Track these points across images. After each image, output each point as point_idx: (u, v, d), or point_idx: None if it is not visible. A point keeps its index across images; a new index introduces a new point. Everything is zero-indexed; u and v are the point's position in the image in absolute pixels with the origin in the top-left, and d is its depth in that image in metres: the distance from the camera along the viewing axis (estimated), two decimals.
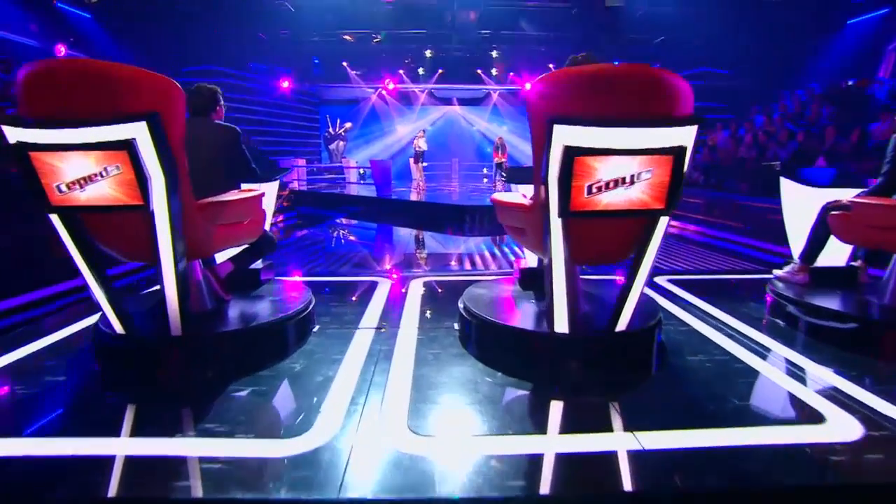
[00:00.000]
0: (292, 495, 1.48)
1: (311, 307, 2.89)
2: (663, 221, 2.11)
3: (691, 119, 1.89)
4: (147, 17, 11.10)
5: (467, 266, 4.97)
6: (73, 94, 1.80)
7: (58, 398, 2.12)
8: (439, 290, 3.79)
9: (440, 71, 17.68)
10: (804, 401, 2.06)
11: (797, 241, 3.42)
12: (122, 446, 1.75)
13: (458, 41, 15.66)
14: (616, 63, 2.02)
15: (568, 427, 1.92)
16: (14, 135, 1.82)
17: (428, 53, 16.94)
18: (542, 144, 1.99)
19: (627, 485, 1.57)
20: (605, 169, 1.92)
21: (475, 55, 16.86)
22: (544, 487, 1.55)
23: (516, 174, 3.24)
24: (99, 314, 2.34)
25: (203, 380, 2.22)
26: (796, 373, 2.33)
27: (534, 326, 2.50)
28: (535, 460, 1.69)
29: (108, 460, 1.67)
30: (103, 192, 1.88)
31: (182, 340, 2.22)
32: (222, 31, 12.47)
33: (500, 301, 2.96)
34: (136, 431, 1.86)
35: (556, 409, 2.08)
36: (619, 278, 3.90)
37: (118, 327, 2.21)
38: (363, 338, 2.76)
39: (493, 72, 17.78)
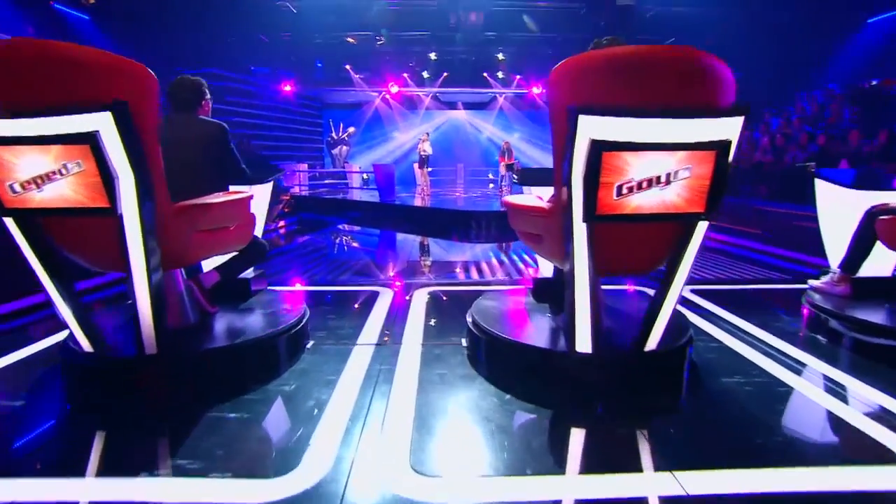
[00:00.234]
0: None
1: (304, 321, 2.67)
2: (702, 227, 1.87)
3: (737, 109, 1.66)
4: (146, 19, 10.99)
5: (474, 274, 4.75)
6: (28, 81, 1.59)
7: (15, 428, 1.90)
8: (445, 301, 3.56)
9: (445, 74, 17.52)
10: (867, 433, 1.81)
11: (835, 249, 3.17)
12: (84, 490, 1.53)
13: (463, 43, 15.50)
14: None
15: (593, 465, 1.68)
16: None
17: (432, 56, 16.78)
18: (564, 139, 1.76)
19: None
20: (637, 166, 1.69)
21: (481, 58, 16.69)
22: None
23: (529, 175, 3.02)
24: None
25: (180, 405, 2.00)
26: (850, 398, 2.08)
27: (551, 344, 2.27)
28: None
29: None
30: (63, 192, 1.66)
31: (157, 359, 2.00)
32: (223, 33, 12.35)
33: (512, 315, 2.73)
34: (102, 469, 1.64)
35: (578, 441, 1.85)
36: (630, 287, 3.66)
37: (86, 344, 1.99)
38: (361, 355, 2.53)
39: (500, 75, 17.59)
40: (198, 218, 2.08)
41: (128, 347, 2.04)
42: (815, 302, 2.95)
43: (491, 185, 17.54)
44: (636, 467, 1.64)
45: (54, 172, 1.62)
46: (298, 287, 4.01)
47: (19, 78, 1.60)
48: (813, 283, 3.13)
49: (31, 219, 1.77)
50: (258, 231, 3.05)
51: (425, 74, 17.77)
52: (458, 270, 4.99)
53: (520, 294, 3.09)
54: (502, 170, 14.27)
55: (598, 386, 2.10)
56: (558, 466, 1.65)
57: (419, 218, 9.54)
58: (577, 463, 1.70)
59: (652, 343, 2.09)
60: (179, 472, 1.58)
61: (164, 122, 2.55)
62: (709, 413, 2.00)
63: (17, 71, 1.60)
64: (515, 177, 3.18)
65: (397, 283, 4.30)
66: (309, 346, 2.64)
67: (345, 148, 19.46)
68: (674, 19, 12.80)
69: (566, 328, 2.29)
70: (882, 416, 1.92)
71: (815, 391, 2.14)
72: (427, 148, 12.95)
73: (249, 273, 3.03)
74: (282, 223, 10.08)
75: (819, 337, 2.77)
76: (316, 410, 1.95)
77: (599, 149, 1.66)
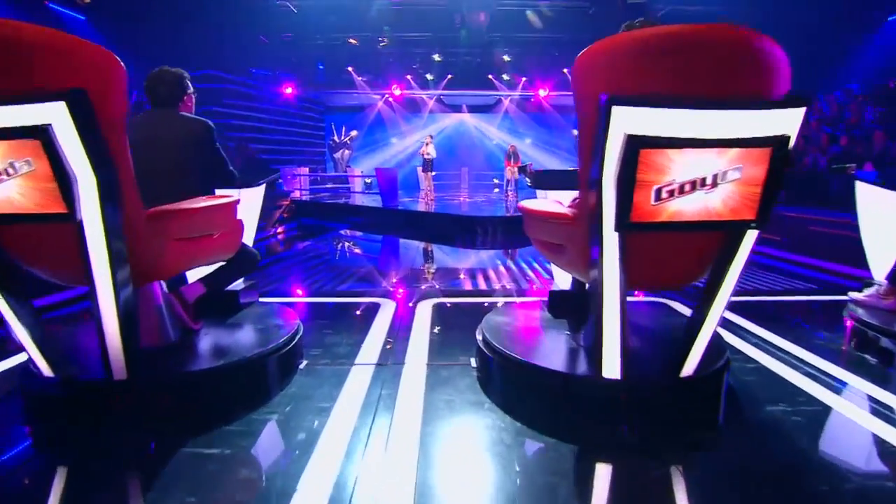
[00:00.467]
0: None
1: (298, 338, 2.45)
2: (750, 237, 1.65)
3: (796, 98, 1.44)
4: (143, 20, 10.86)
5: (481, 283, 4.52)
6: None
7: None
8: (451, 314, 3.33)
9: (449, 76, 17.34)
10: None
11: (880, 259, 2.94)
12: None
13: (467, 44, 15.33)
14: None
15: None
16: None
17: (436, 58, 16.61)
18: (592, 134, 1.54)
19: None
20: (680, 166, 1.47)
21: (485, 59, 16.51)
22: None
23: (544, 178, 2.80)
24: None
25: (152, 439, 1.78)
26: None
27: (573, 368, 2.04)
28: None
29: None
30: (11, 195, 1.45)
31: (127, 386, 1.78)
32: (222, 34, 12.21)
33: (526, 332, 2.50)
34: None
35: (604, 479, 1.64)
36: (642, 298, 3.42)
37: (45, 368, 1.78)
38: (360, 377, 2.30)
39: (505, 77, 17.40)
40: (175, 225, 1.87)
41: (94, 372, 1.82)
42: (860, 317, 2.71)
43: (496, 190, 17.32)
44: None
45: (0, 172, 1.41)
46: (293, 298, 3.80)
47: None
48: (855, 295, 2.90)
49: None
50: (248, 239, 2.84)
51: (429, 77, 17.60)
52: (463, 278, 4.77)
53: (533, 308, 2.87)
54: (508, 174, 14.05)
55: (627, 416, 1.87)
56: None
57: (422, 223, 9.33)
58: None
59: (689, 368, 1.86)
60: None
61: (142, 118, 2.35)
62: (757, 449, 1.77)
63: None
64: (528, 179, 2.96)
65: (400, 292, 4.08)
66: (302, 366, 2.43)
67: (347, 152, 19.30)
68: (685, 18, 12.57)
69: (591, 350, 2.06)
70: None
71: (876, 423, 1.90)
72: (431, 151, 12.74)
73: (239, 284, 2.81)
74: (281, 229, 9.88)
75: (867, 357, 2.53)
76: (307, 445, 1.73)
77: (636, 145, 1.43)
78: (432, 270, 5.40)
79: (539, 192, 2.95)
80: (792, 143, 1.47)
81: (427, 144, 12.68)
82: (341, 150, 19.22)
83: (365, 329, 2.98)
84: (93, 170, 1.49)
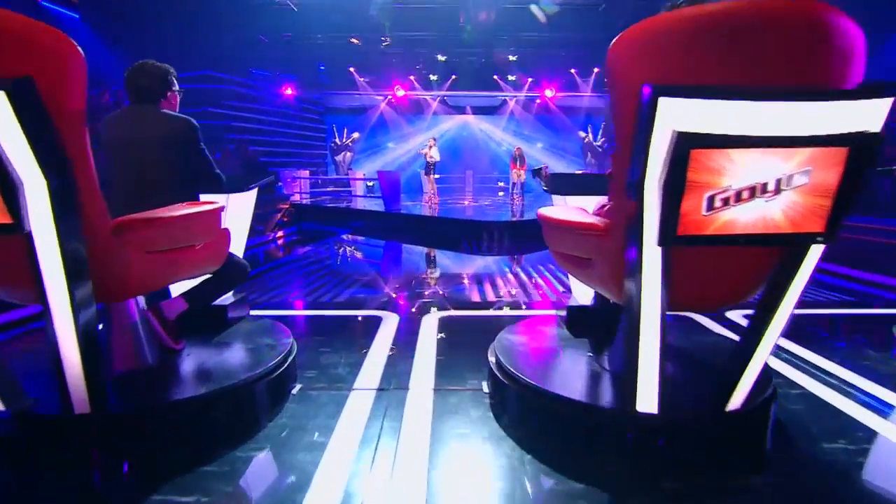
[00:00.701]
0: None
1: (290, 359, 2.24)
2: (815, 252, 1.43)
3: (883, 87, 1.22)
4: (139, 18, 10.71)
5: (488, 292, 4.31)
6: None
7: None
8: (459, 330, 3.11)
9: (453, 77, 17.16)
10: None
11: None
12: None
13: (472, 44, 15.14)
14: None
15: None
16: None
17: (440, 58, 16.42)
18: (631, 132, 1.33)
19: None
20: (738, 169, 1.25)
21: (491, 60, 16.32)
22: None
23: (562, 182, 2.59)
24: None
25: (116, 483, 1.56)
26: None
27: (601, 398, 1.83)
28: None
29: None
30: None
31: (89, 421, 1.57)
32: (220, 33, 12.05)
33: (544, 354, 2.29)
34: None
35: None
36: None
37: None
38: (359, 405, 2.09)
39: (511, 77, 17.20)
40: (147, 236, 1.66)
41: (51, 405, 1.61)
42: None
43: (501, 193, 17.13)
44: None
45: None
46: (288, 311, 3.58)
47: None
48: None
49: None
50: (238, 248, 2.63)
51: (433, 77, 17.41)
52: (469, 287, 4.55)
53: (549, 324, 2.65)
54: (514, 177, 13.85)
55: (665, 457, 1.65)
56: None
57: (426, 228, 9.13)
58: None
59: (736, 401, 1.64)
60: None
61: (118, 115, 2.15)
62: (815, 495, 1.54)
63: None
64: (544, 184, 2.75)
65: (403, 304, 3.86)
66: (295, 390, 2.21)
67: (348, 154, 19.13)
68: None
69: (619, 377, 1.85)
70: None
71: None
72: (434, 154, 12.55)
73: (228, 298, 2.61)
74: (280, 233, 9.70)
75: None
76: (297, 490, 1.51)
77: (687, 145, 1.22)
78: (437, 278, 5.18)
79: (555, 198, 2.73)
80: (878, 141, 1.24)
81: (430, 147, 12.49)
82: (343, 153, 19.05)
83: (365, 346, 2.76)
84: (43, 173, 1.28)
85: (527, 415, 1.95)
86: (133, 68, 2.14)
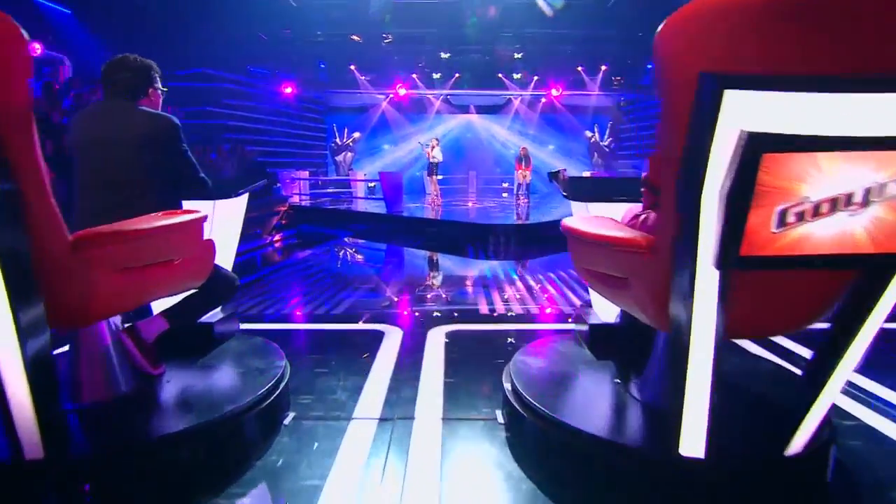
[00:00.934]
0: None
1: (283, 384, 2.05)
2: None
3: None
4: (134, 15, 10.52)
5: (496, 302, 4.10)
6: None
7: None
8: (468, 346, 2.91)
9: (457, 75, 16.95)
10: None
11: None
12: None
13: (476, 41, 14.93)
14: None
15: None
16: None
17: (444, 55, 16.22)
18: (684, 131, 1.12)
19: None
20: (820, 177, 1.05)
21: (495, 57, 16.10)
22: None
23: (583, 187, 2.39)
24: None
25: None
26: None
27: (633, 437, 1.63)
28: None
29: None
30: None
31: (42, 468, 1.37)
32: (217, 30, 11.86)
33: (565, 380, 2.08)
34: None
35: None
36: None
37: None
38: (359, 438, 1.89)
39: (516, 76, 16.97)
40: (116, 252, 1.46)
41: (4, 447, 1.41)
42: None
43: (505, 195, 16.92)
44: None
45: None
46: (283, 325, 3.38)
47: None
48: None
49: None
50: (226, 260, 2.43)
51: (435, 76, 17.20)
52: (476, 296, 4.35)
53: (568, 342, 2.44)
54: (519, 178, 13.64)
55: None
56: None
57: (429, 231, 8.93)
58: None
59: (798, 444, 1.43)
60: None
61: (90, 111, 1.95)
62: None
63: None
64: (561, 188, 2.54)
65: (406, 316, 3.67)
66: (288, 420, 2.01)
67: (349, 154, 18.92)
68: None
69: (662, 415, 1.64)
70: None
71: None
72: (437, 154, 12.33)
73: (216, 314, 2.41)
74: (278, 236, 9.51)
75: None
76: None
77: (759, 148, 1.01)
78: (441, 286, 4.98)
79: (574, 205, 2.52)
80: None
81: (433, 147, 12.28)
82: (343, 153, 18.84)
83: (366, 367, 2.56)
84: None
85: (548, 453, 1.75)
86: (113, 61, 1.95)
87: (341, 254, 7.70)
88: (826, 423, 1.56)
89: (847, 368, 1.32)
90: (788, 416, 1.43)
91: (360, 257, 7.54)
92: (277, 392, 1.99)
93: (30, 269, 1.20)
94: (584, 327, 2.52)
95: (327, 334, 3.15)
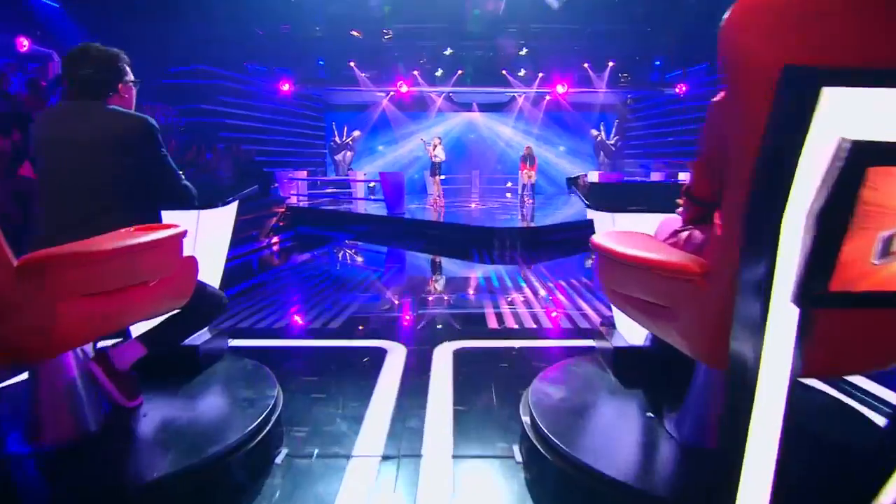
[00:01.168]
0: None
1: (274, 418, 1.86)
2: None
3: None
4: (127, 10, 10.32)
5: (506, 313, 3.91)
6: None
7: None
8: (479, 367, 2.71)
9: (459, 72, 16.73)
10: None
11: None
12: None
13: (479, 37, 14.71)
14: None
15: None
16: None
17: (447, 52, 16.00)
18: (754, 138, 0.93)
19: None
20: None
21: (499, 54, 15.88)
22: None
23: (608, 194, 2.19)
24: None
25: None
26: None
27: (677, 488, 1.43)
28: None
29: None
30: None
31: None
32: (213, 26, 11.67)
33: (590, 413, 1.90)
34: None
35: None
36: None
37: None
38: (360, 480, 1.70)
39: (521, 73, 16.74)
40: (77, 277, 1.27)
41: None
42: None
43: (508, 195, 16.74)
44: None
45: None
46: (276, 341, 3.19)
47: None
48: None
49: None
50: (213, 276, 2.25)
51: (438, 73, 16.98)
52: (484, 304, 4.16)
53: (590, 366, 2.25)
54: (524, 178, 13.45)
55: None
56: None
57: (432, 234, 8.73)
58: None
59: (887, 499, 1.24)
60: None
61: (52, 114, 1.76)
62: None
63: None
64: (583, 195, 2.36)
65: (408, 322, 3.48)
66: (280, 458, 1.83)
67: (349, 153, 18.73)
68: (727, 6, 11.92)
69: (712, 464, 1.45)
70: None
71: None
72: (439, 153, 12.13)
73: (202, 334, 2.23)
74: (275, 239, 9.33)
75: None
76: None
77: (864, 159, 0.82)
78: (446, 295, 4.79)
79: (597, 215, 2.33)
80: None
81: (435, 146, 12.08)
82: (343, 152, 18.66)
83: (367, 392, 2.37)
84: None
85: (573, 500, 1.56)
86: (72, 54, 1.74)
87: (340, 258, 7.51)
88: None
89: None
90: (869, 469, 1.23)
91: (360, 261, 7.35)
92: (269, 427, 1.80)
93: None
94: (607, 344, 2.34)
95: (325, 352, 2.95)
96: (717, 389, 1.55)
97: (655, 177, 14.01)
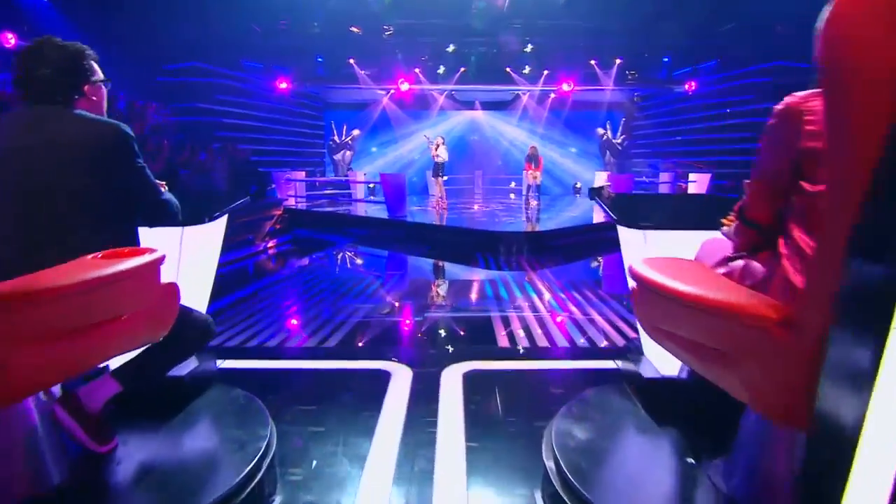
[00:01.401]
0: None
1: (267, 461, 1.67)
2: None
3: None
4: (118, 3, 10.14)
5: (517, 329, 3.74)
6: None
7: None
8: (492, 392, 2.53)
9: (462, 69, 16.53)
10: None
11: None
12: None
13: (482, 33, 14.52)
14: None
15: None
16: None
17: (450, 48, 15.82)
18: (869, 152, 0.75)
19: None
20: None
21: (503, 51, 15.69)
22: None
23: (635, 208, 2.01)
24: None
25: None
26: None
27: None
28: None
29: None
30: None
31: None
32: (208, 22, 11.49)
33: (623, 457, 1.72)
34: None
35: None
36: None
37: None
38: None
39: (526, 70, 16.53)
40: (19, 319, 1.09)
41: None
42: None
43: (512, 196, 16.55)
44: None
45: None
46: (269, 362, 3.00)
47: None
48: None
49: None
50: (200, 298, 2.07)
51: (440, 70, 16.78)
52: (491, 314, 3.98)
53: (617, 398, 2.07)
54: (529, 179, 13.25)
55: None
56: None
57: (436, 239, 8.54)
58: None
59: None
60: None
61: (11, 120, 1.57)
62: None
63: None
64: (608, 208, 2.17)
65: (411, 331, 3.30)
66: None
67: (348, 153, 18.55)
68: (733, 2, 11.76)
69: None
70: None
71: None
72: (442, 154, 11.91)
73: (189, 363, 2.05)
74: (272, 242, 9.15)
75: None
76: None
77: None
78: (452, 306, 4.61)
79: (624, 232, 2.14)
80: None
81: (438, 146, 11.88)
82: (342, 151, 18.48)
83: (371, 422, 2.19)
84: None
85: None
86: (27, 52, 1.54)
87: (339, 264, 7.33)
88: None
89: None
90: None
91: (360, 268, 7.18)
92: (261, 473, 1.62)
93: None
94: (633, 369, 2.16)
95: (323, 376, 2.77)
96: (777, 442, 1.37)
97: (664, 177, 13.83)
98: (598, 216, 10.93)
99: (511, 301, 4.53)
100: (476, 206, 13.02)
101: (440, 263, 6.99)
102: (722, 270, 1.33)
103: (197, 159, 9.78)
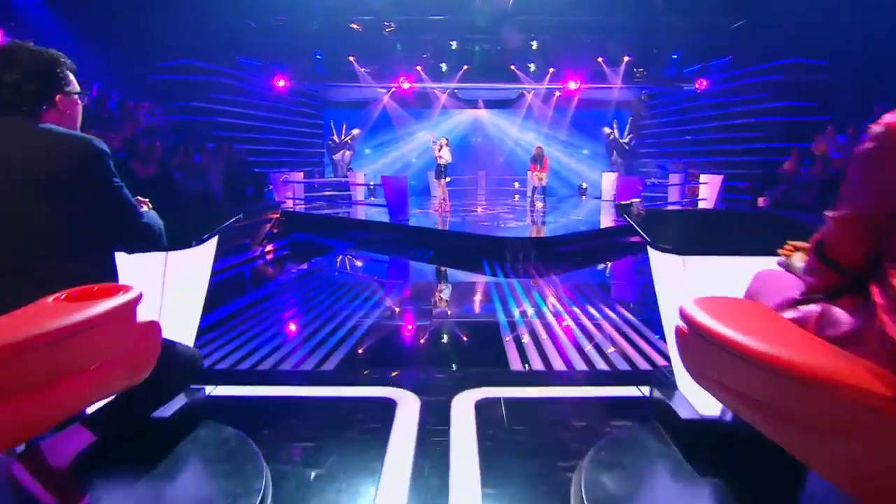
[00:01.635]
0: None
1: None
2: None
3: None
4: (111, 1, 10.01)
5: (527, 343, 3.57)
6: None
7: None
8: (508, 425, 2.36)
9: (465, 67, 16.35)
10: None
11: None
12: None
13: (486, 30, 14.36)
14: None
15: None
16: None
17: (452, 45, 15.65)
18: None
19: None
20: None
21: (507, 47, 15.52)
22: None
23: (671, 227, 1.83)
24: None
25: None
26: None
27: None
28: None
29: None
30: None
31: None
32: (204, 18, 11.34)
33: None
34: None
35: None
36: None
37: None
38: None
39: (531, 68, 16.34)
40: None
41: None
42: None
43: (516, 197, 16.40)
44: None
45: None
46: (263, 388, 2.82)
47: None
48: None
49: None
50: (187, 329, 1.89)
51: (442, 68, 16.60)
52: (500, 324, 3.81)
53: (651, 439, 1.90)
54: (535, 180, 13.08)
55: None
56: None
57: (439, 244, 8.37)
58: None
59: None
60: None
61: None
62: None
63: None
64: (640, 228, 2.02)
65: (418, 352, 3.13)
66: None
67: (348, 153, 18.38)
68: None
69: None
70: None
71: None
72: (445, 155, 11.72)
73: (175, 400, 1.88)
74: (269, 247, 9.00)
75: None
76: None
77: None
78: (460, 322, 4.44)
79: (657, 257, 1.97)
80: None
81: (441, 147, 11.69)
82: (341, 151, 18.31)
83: (376, 460, 2.03)
84: None
85: None
86: None
87: (338, 272, 7.17)
88: None
89: None
90: None
91: (360, 275, 7.01)
92: None
93: None
94: (666, 401, 1.99)
95: (323, 406, 2.59)
96: None
97: (674, 178, 13.65)
98: (606, 219, 10.78)
99: (520, 314, 4.36)
100: (479, 209, 12.85)
101: (445, 270, 6.83)
102: (791, 315, 1.15)
103: (191, 161, 9.62)
